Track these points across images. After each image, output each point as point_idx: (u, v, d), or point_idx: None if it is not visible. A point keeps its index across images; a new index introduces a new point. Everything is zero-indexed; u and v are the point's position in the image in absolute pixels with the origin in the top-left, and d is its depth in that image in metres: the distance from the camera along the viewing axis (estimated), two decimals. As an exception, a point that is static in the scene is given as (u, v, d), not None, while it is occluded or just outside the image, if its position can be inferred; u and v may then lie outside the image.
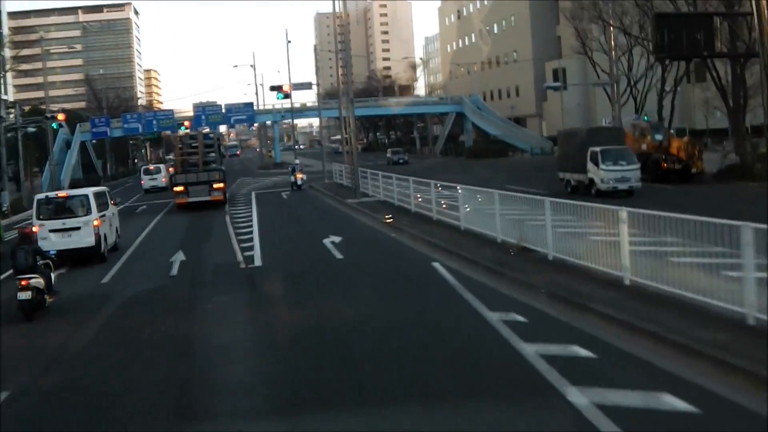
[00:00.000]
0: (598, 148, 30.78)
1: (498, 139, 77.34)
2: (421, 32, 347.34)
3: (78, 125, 75.52)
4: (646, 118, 45.27)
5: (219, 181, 35.99)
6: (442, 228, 21.58)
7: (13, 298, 14.26)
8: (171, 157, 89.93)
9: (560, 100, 78.75)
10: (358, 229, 25.38)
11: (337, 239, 21.85)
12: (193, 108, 78.34)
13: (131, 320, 13.59)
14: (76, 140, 74.83)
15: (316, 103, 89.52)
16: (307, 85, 45.93)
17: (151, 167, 60.39)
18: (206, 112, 77.11)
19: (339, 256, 19.20)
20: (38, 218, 21.00)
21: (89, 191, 22.38)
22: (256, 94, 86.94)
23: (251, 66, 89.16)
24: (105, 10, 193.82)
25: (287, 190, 43.53)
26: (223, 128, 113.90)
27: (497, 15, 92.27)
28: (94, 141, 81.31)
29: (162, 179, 54.26)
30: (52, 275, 15.06)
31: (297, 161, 43.60)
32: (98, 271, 19.57)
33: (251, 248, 21.56)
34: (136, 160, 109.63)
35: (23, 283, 13.98)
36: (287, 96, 42.14)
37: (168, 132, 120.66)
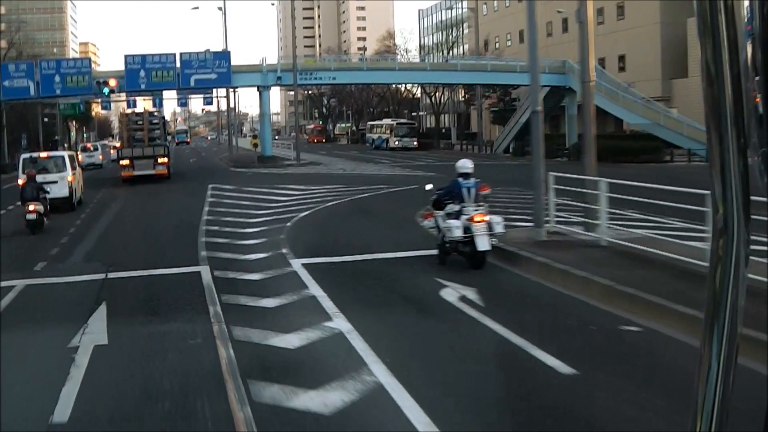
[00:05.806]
0: None
1: (628, 133, 48.42)
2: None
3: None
4: None
5: (163, 156, 36.97)
6: None
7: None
8: (105, 142, 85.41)
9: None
10: None
11: None
12: (125, 61, 46.36)
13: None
14: None
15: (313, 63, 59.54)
16: None
17: (89, 145, 61.75)
18: (147, 67, 45.69)
19: None
20: (23, 173, 23.30)
21: (65, 154, 27.44)
22: (226, 46, 55.46)
23: (219, 9, 57.95)
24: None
25: (427, 258, 12.45)
26: (167, 116, 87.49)
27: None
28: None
29: (99, 156, 56.50)
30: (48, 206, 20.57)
31: (469, 164, 12.00)
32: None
33: None
34: (65, 145, 75.18)
35: (31, 208, 19.38)
36: None
37: (99, 109, 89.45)
